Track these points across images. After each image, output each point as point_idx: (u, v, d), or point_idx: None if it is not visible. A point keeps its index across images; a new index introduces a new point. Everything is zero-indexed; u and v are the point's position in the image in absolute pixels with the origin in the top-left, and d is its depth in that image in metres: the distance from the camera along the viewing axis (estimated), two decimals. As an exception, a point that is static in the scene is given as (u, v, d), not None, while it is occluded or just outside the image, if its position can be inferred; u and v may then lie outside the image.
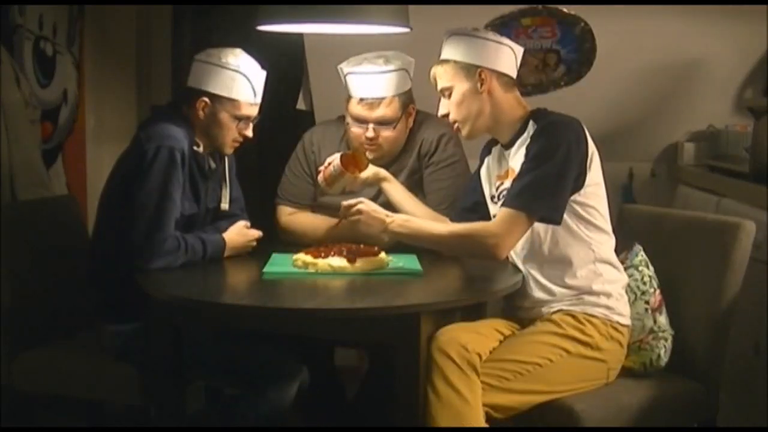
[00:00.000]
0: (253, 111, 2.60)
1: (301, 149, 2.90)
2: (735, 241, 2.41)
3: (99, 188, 3.58)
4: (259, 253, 2.62)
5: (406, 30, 2.57)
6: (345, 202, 2.49)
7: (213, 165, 2.64)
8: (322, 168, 2.67)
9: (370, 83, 2.69)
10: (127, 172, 2.50)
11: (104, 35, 3.75)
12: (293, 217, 2.86)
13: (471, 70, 2.42)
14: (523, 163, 2.34)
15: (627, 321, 2.39)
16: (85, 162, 3.62)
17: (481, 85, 2.41)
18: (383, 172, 2.69)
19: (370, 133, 2.71)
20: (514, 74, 2.47)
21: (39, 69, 3.27)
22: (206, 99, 2.54)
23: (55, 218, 2.89)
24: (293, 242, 2.74)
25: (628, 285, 2.46)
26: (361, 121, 2.72)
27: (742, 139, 3.39)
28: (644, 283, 2.46)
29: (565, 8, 3.53)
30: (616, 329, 2.35)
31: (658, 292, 2.47)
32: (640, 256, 2.51)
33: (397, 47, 2.79)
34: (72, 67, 3.51)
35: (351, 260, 2.42)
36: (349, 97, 2.75)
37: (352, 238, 2.58)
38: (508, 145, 2.47)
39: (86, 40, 3.60)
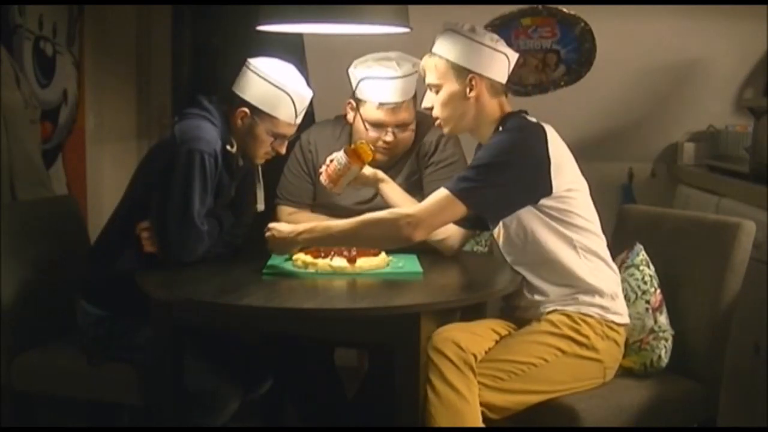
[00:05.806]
0: (291, 130, 2.59)
1: (298, 149, 2.90)
2: (735, 241, 2.41)
3: (99, 188, 3.57)
4: (259, 253, 2.62)
5: (406, 30, 2.57)
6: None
7: (241, 162, 2.63)
8: (323, 169, 2.66)
9: (391, 88, 2.66)
10: (159, 167, 2.49)
11: (104, 35, 3.75)
12: (293, 218, 2.85)
13: (462, 73, 2.39)
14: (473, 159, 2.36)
15: (623, 320, 2.38)
16: (85, 162, 3.63)
17: (470, 90, 2.39)
18: (381, 174, 2.68)
19: (389, 137, 2.70)
20: (504, 80, 2.44)
21: (39, 69, 3.27)
22: (246, 110, 2.53)
23: (55, 218, 2.89)
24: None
25: (629, 284, 2.46)
26: (380, 125, 2.70)
27: (742, 139, 3.39)
28: (645, 283, 2.46)
29: (565, 8, 3.54)
30: (611, 328, 2.35)
31: (658, 291, 2.47)
32: (641, 255, 2.51)
33: (397, 47, 2.79)
34: (72, 67, 3.51)
35: (351, 260, 2.42)
36: (357, 101, 2.74)
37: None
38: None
39: (86, 40, 3.60)
